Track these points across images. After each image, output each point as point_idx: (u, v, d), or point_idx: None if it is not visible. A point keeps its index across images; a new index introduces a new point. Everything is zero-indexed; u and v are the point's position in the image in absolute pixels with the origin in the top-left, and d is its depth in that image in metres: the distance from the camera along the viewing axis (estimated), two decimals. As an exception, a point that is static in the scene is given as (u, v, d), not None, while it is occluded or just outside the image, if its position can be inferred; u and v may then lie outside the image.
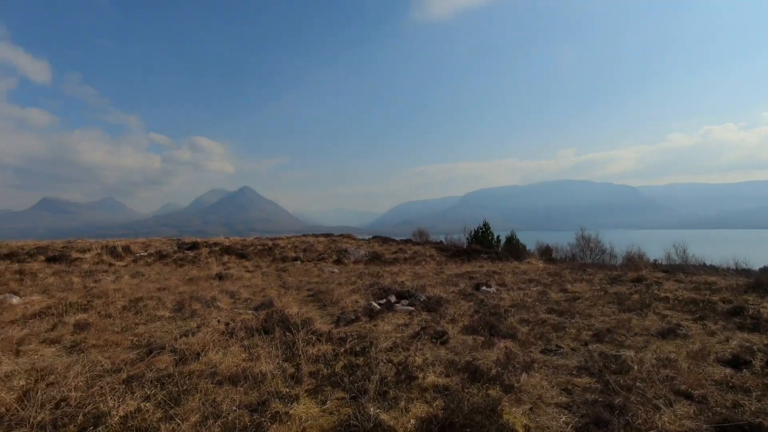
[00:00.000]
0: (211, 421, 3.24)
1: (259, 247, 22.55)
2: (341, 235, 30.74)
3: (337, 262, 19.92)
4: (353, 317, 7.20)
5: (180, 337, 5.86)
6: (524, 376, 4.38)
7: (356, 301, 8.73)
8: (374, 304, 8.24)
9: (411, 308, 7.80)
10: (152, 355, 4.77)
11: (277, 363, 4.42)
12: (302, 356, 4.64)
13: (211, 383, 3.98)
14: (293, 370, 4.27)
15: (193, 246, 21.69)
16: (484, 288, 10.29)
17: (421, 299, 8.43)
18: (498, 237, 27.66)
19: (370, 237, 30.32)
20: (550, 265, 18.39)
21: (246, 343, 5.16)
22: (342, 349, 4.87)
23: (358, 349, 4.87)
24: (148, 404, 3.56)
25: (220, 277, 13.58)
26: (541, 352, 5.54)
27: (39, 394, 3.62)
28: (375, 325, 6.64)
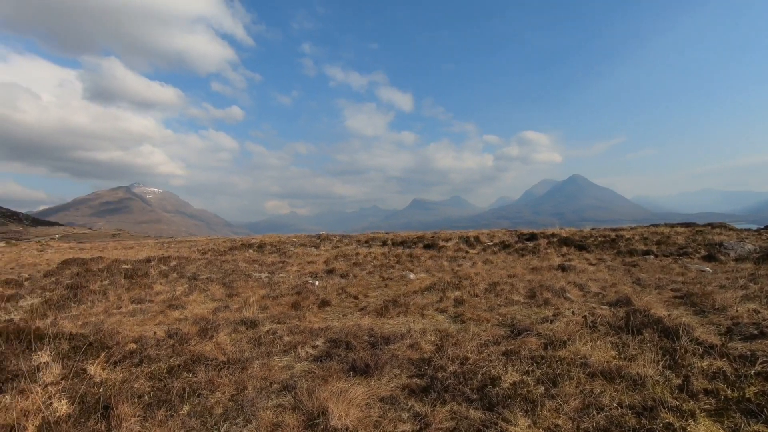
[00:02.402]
0: (593, 411, 3.29)
1: (599, 239, 21.00)
2: (709, 225, 24.28)
3: (708, 258, 15.85)
4: (755, 332, 5.53)
5: (539, 323, 6.28)
6: None
7: (755, 311, 6.65)
8: (790, 318, 6.01)
9: None
10: (522, 335, 5.33)
11: (658, 369, 3.97)
12: (690, 368, 3.98)
13: (583, 373, 4.03)
14: (679, 381, 3.72)
15: (532, 237, 22.65)
16: None
17: None
18: None
19: (762, 227, 22.40)
20: None
21: (612, 339, 4.92)
22: (751, 371, 3.83)
23: (778, 375, 3.69)
24: (528, 378, 4.00)
25: (562, 268, 13.57)
26: None
27: (448, 350, 4.76)
28: (798, 348, 4.84)
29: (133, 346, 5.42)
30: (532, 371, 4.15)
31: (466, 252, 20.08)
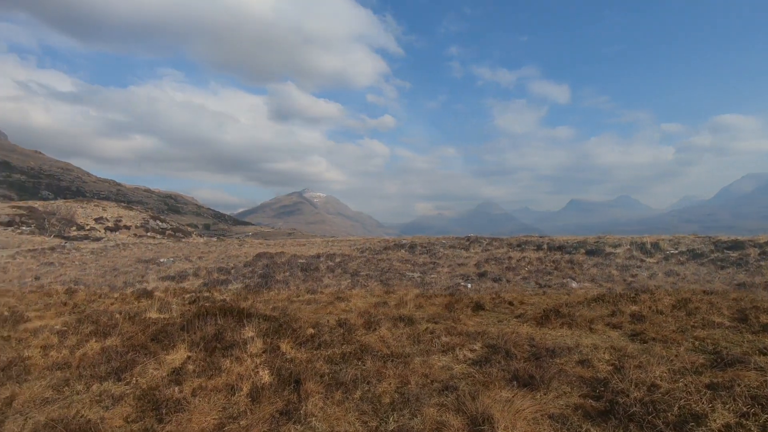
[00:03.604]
0: None
1: None
2: None
3: None
4: None
5: (759, 354, 4.98)
6: None
7: None
8: None
9: None
10: (733, 367, 4.30)
11: None
12: None
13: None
14: None
15: (735, 245, 18.23)
16: None
17: None
18: None
19: None
20: None
21: None
22: None
23: None
24: (748, 423, 3.20)
25: (787, 286, 10.54)
26: None
27: (631, 373, 4.15)
28: None
29: (312, 330, 6.22)
30: (754, 414, 3.30)
31: (641, 260, 17.30)
